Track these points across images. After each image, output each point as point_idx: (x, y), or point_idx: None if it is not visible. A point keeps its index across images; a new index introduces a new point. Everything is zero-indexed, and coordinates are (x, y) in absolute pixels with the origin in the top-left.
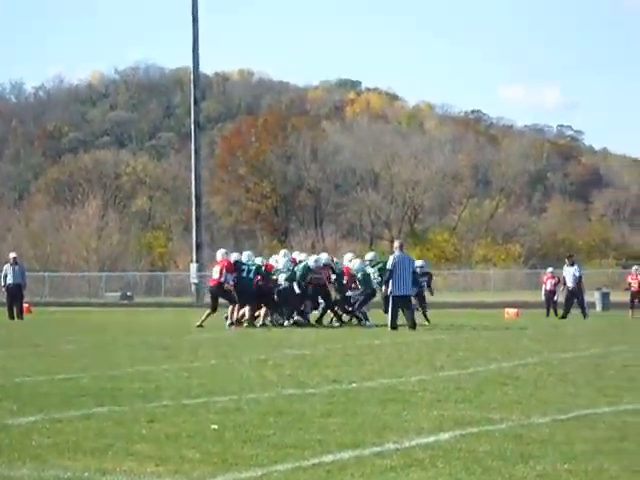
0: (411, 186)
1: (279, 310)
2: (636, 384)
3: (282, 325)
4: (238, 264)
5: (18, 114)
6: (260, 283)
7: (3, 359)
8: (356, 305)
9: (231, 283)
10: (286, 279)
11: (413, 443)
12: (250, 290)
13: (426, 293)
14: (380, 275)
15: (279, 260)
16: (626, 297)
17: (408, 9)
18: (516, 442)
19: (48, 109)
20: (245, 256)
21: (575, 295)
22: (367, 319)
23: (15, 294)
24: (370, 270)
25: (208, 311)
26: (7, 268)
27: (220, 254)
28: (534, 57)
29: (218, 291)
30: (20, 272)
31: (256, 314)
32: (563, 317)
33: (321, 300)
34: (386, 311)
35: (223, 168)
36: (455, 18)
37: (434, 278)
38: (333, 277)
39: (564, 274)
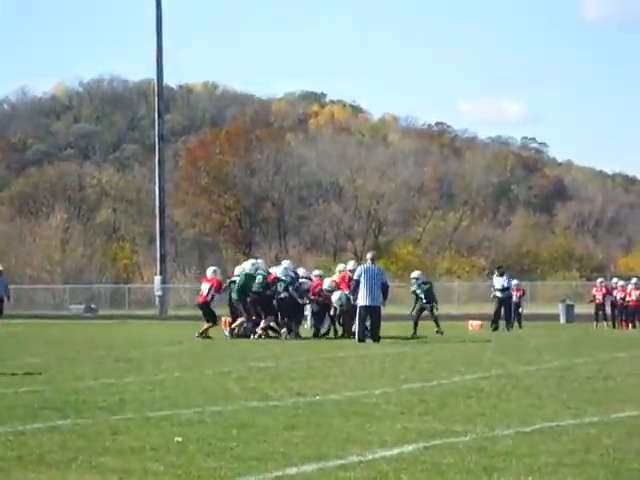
0: (375, 199)
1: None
2: (600, 396)
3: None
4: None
5: None
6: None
7: None
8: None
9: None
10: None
11: (377, 456)
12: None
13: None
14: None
15: (278, 270)
16: (590, 309)
17: (372, 22)
18: (480, 454)
19: (12, 121)
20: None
21: (502, 305)
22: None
23: None
24: (417, 289)
25: (210, 324)
26: None
27: (210, 272)
28: (496, 70)
29: (204, 308)
30: (3, 285)
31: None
32: (495, 329)
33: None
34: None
35: (187, 180)
36: (418, 31)
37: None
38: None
39: (494, 284)
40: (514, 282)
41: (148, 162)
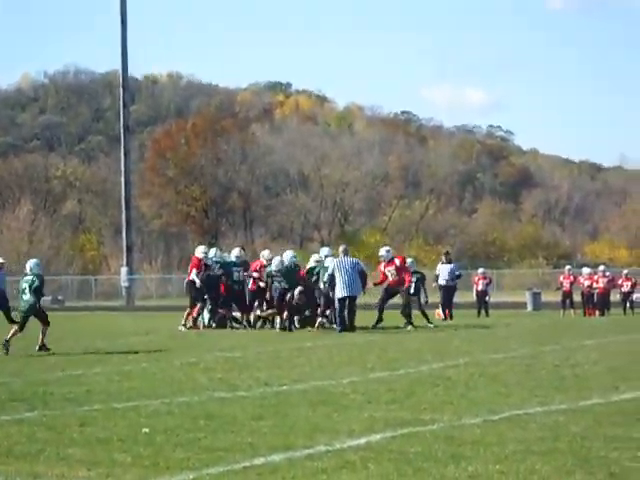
0: (341, 188)
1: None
2: (567, 384)
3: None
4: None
5: None
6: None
7: None
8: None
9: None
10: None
11: (344, 445)
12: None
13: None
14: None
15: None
16: (557, 297)
17: (337, 10)
18: (447, 443)
19: None
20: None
21: (448, 293)
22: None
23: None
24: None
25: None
26: None
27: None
28: (459, 57)
29: (189, 288)
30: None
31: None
32: (445, 319)
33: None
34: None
35: (153, 171)
36: (382, 19)
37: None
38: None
39: (438, 272)
40: (480, 270)
41: (114, 153)
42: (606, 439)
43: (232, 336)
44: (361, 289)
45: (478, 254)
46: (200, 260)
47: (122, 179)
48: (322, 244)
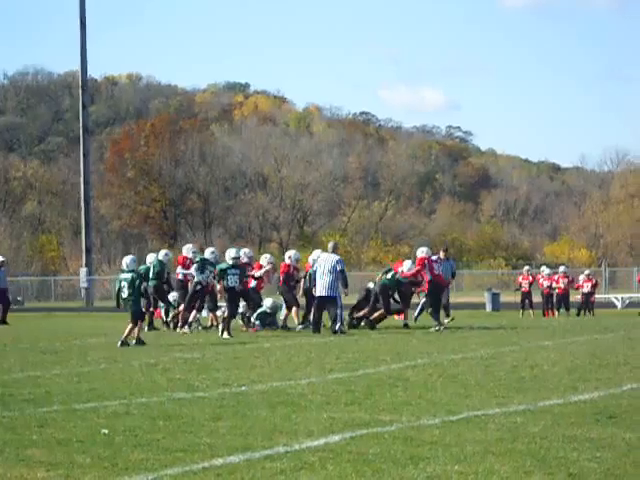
0: (300, 189)
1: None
2: (526, 385)
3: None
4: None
5: None
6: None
7: None
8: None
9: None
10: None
11: (303, 446)
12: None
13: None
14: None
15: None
16: (516, 297)
17: (295, 11)
18: (406, 444)
19: None
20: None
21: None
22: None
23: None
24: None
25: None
26: None
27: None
28: (416, 58)
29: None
30: (3, 276)
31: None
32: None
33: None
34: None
35: (112, 172)
36: (338, 21)
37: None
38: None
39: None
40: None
41: (73, 154)
42: (565, 439)
43: (191, 337)
44: (335, 291)
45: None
46: (185, 258)
47: (81, 180)
48: (281, 245)
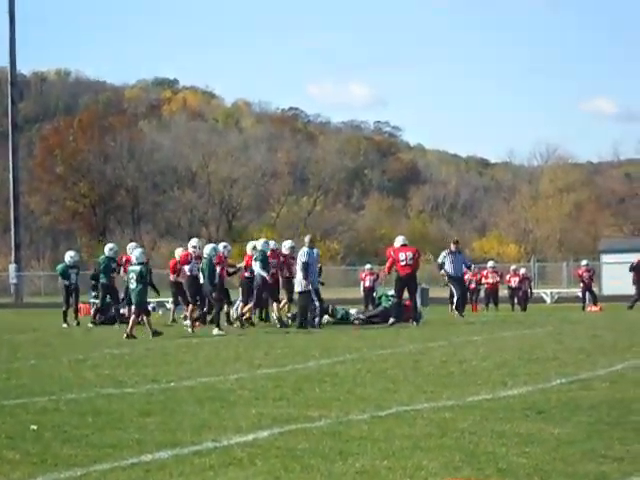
0: (229, 184)
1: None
2: (455, 380)
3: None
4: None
5: None
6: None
7: None
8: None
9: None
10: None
11: (232, 441)
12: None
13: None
14: None
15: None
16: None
17: (224, 6)
18: (335, 439)
19: None
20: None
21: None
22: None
23: None
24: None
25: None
26: None
27: (249, 248)
28: (343, 53)
29: (243, 286)
30: None
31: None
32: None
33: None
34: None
35: (41, 168)
36: (267, 16)
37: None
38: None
39: (442, 260)
40: (367, 266)
41: (2, 150)
42: (494, 435)
43: (119, 333)
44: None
45: (366, 250)
46: (188, 254)
47: (10, 176)
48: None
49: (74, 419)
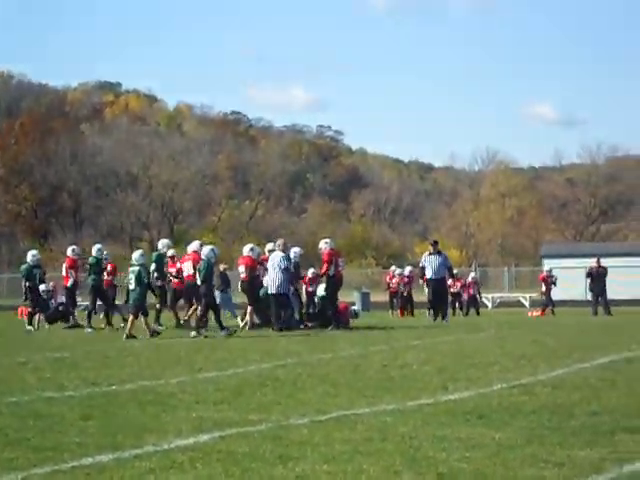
0: (170, 187)
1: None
2: (395, 384)
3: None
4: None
5: None
6: None
7: None
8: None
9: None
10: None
11: (172, 445)
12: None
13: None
14: None
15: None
16: (386, 297)
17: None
18: (275, 443)
19: None
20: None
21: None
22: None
23: None
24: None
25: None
26: None
27: (246, 250)
28: (282, 56)
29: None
30: None
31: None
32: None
33: None
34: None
35: None
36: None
37: None
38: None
39: (423, 263)
40: (310, 270)
41: None
42: (434, 439)
43: (61, 336)
44: (284, 288)
45: (308, 254)
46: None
47: None
48: (151, 244)
49: (15, 422)
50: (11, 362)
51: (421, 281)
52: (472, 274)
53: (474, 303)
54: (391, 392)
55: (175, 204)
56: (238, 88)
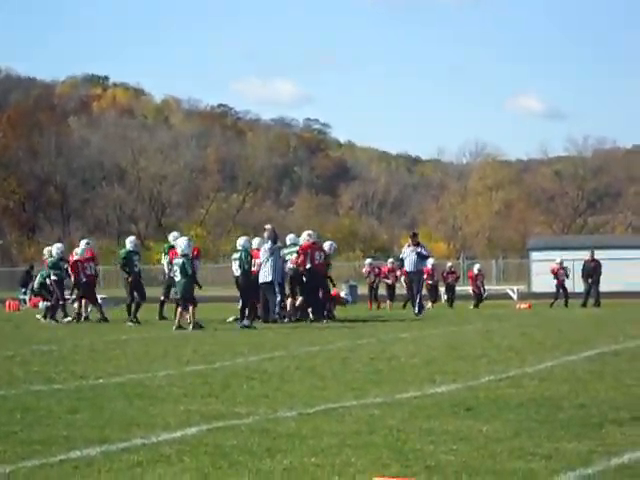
0: (158, 181)
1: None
2: (383, 377)
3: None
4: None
5: None
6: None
7: None
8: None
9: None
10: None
11: (160, 438)
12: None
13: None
14: None
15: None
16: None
17: (151, 3)
18: (263, 436)
19: None
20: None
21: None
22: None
23: None
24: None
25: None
26: None
27: (256, 243)
28: (268, 50)
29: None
30: None
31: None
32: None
33: None
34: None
35: None
36: (195, 12)
37: None
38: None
39: (404, 256)
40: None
41: None
42: (422, 432)
43: (49, 329)
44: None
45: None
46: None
47: None
48: (139, 237)
49: (3, 416)
50: None
51: (399, 273)
52: (477, 265)
53: (479, 296)
54: (379, 385)
55: (163, 197)
56: (225, 82)
